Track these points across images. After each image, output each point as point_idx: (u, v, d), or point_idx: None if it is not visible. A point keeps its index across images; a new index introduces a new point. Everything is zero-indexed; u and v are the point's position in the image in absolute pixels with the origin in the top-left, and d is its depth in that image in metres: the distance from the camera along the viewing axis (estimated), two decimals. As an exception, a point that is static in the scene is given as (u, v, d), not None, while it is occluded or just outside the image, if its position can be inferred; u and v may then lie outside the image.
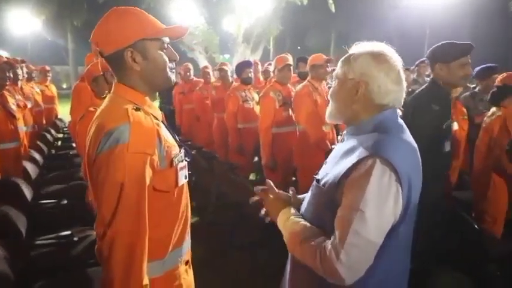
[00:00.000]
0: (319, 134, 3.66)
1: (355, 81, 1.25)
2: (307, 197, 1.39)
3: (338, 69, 1.32)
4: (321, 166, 1.38)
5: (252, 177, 5.32)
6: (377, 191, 1.10)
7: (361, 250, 1.09)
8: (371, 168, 1.11)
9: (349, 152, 1.22)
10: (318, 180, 1.29)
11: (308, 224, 1.26)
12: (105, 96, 2.09)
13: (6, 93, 3.57)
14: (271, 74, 5.50)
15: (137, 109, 1.20)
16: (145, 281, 1.16)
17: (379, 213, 1.10)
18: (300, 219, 1.30)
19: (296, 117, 3.91)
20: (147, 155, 1.15)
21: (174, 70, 1.31)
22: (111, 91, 1.29)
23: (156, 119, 1.28)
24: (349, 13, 19.14)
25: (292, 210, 1.35)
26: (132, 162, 1.12)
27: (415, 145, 1.26)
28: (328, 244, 1.12)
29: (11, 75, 3.50)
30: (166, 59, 1.27)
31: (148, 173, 1.16)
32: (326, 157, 1.39)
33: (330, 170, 1.26)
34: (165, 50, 1.27)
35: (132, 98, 1.24)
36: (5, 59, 3.34)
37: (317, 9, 16.64)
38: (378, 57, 1.24)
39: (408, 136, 1.26)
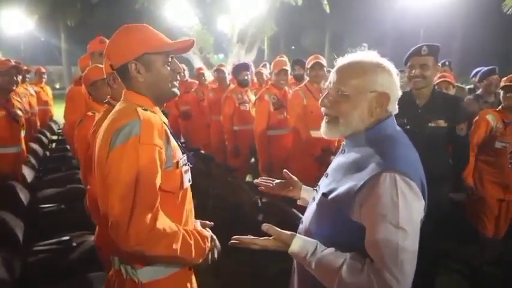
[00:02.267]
0: (306, 138, 3.60)
1: (379, 93, 1.20)
2: (310, 209, 1.38)
3: (345, 82, 1.22)
4: (324, 177, 1.36)
5: (248, 178, 5.32)
6: (408, 204, 1.11)
7: (411, 262, 1.11)
8: (394, 184, 1.10)
9: (358, 165, 1.19)
10: (324, 194, 1.26)
11: (333, 254, 1.18)
12: (107, 101, 2.12)
13: (14, 97, 3.52)
14: (264, 77, 5.51)
15: (145, 110, 1.26)
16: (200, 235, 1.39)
17: (415, 225, 1.14)
18: (322, 253, 1.19)
19: (289, 120, 3.95)
20: (157, 146, 1.20)
21: (176, 83, 1.36)
22: (121, 99, 1.35)
23: (164, 122, 1.33)
24: (344, 14, 19.11)
25: (302, 243, 1.24)
26: (145, 154, 1.17)
27: (414, 148, 1.27)
28: (375, 268, 1.09)
29: (19, 80, 3.43)
30: (169, 72, 1.32)
31: (159, 165, 1.21)
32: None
33: (337, 183, 1.23)
34: (169, 63, 1.32)
35: (140, 103, 1.29)
36: (13, 63, 3.26)
37: (312, 10, 16.61)
38: (385, 66, 1.23)
39: (407, 139, 1.27)
